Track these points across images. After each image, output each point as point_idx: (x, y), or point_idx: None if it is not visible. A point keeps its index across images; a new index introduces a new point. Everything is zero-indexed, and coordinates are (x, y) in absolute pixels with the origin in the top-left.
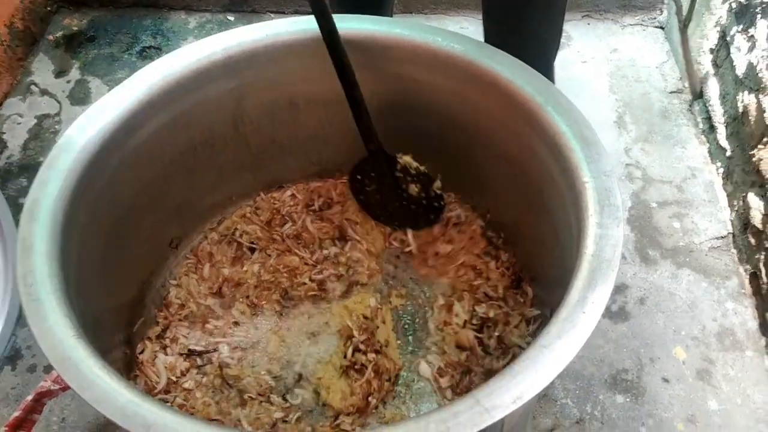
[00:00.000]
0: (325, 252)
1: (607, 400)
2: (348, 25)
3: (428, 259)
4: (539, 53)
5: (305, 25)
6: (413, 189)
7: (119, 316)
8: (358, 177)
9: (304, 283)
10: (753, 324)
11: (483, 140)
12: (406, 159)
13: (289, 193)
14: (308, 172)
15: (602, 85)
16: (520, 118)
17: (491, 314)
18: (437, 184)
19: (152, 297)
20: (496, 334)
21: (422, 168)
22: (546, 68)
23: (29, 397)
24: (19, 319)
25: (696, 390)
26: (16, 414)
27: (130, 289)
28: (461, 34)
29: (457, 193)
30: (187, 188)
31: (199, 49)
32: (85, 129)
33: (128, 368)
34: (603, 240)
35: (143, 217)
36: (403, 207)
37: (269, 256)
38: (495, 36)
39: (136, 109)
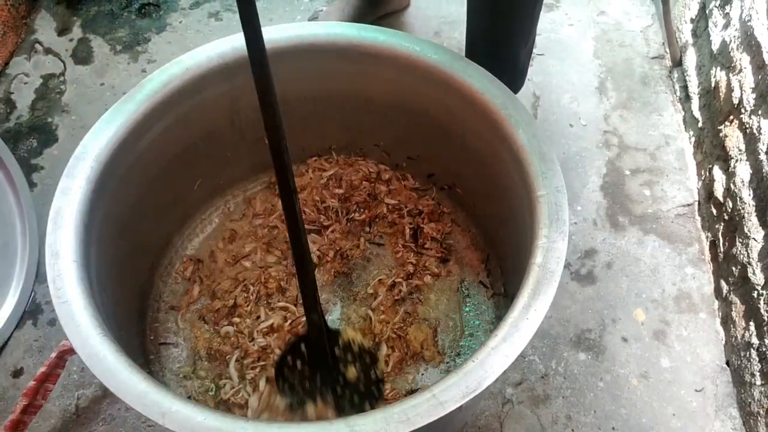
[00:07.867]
0: None
1: (570, 357)
2: (336, 31)
3: None
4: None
5: (294, 31)
6: (352, 372)
7: (132, 301)
8: (288, 358)
9: None
10: (709, 288)
11: (456, 140)
12: (351, 334)
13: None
14: (299, 157)
15: (587, 50)
16: (487, 128)
17: None
18: (380, 366)
19: (160, 273)
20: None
21: (368, 345)
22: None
23: (53, 355)
24: (38, 276)
25: (651, 349)
26: (42, 369)
27: (141, 273)
28: (440, 45)
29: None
30: (190, 177)
31: (197, 57)
32: (98, 139)
33: (143, 350)
34: (549, 253)
35: (150, 207)
36: (334, 392)
37: None
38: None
39: (142, 117)
